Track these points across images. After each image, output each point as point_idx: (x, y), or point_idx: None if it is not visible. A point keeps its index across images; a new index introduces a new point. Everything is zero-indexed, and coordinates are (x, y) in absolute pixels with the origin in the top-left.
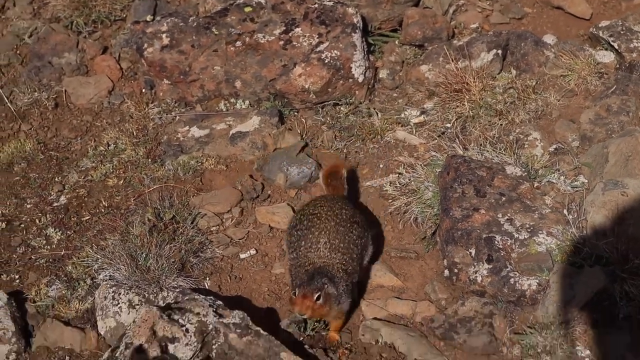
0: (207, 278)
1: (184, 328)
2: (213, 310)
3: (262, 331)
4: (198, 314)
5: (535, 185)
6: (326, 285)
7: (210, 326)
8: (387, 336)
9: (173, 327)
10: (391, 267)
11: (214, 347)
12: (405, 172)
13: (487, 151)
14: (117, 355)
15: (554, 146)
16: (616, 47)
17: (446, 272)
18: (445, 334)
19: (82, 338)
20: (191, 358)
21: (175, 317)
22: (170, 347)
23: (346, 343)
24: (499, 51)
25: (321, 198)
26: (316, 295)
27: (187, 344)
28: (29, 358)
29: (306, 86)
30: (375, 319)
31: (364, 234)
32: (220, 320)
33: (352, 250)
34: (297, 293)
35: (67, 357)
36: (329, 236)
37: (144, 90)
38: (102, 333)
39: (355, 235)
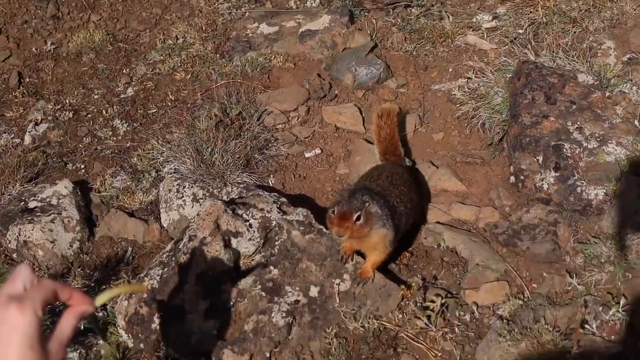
0: (272, 175)
1: (247, 223)
2: (277, 207)
3: (325, 230)
4: (262, 209)
5: (606, 95)
6: (367, 204)
7: (274, 222)
8: (449, 240)
9: (237, 222)
10: (456, 172)
11: (276, 243)
12: (475, 76)
13: (560, 58)
14: (180, 247)
15: (628, 56)
16: None
17: (512, 178)
18: (508, 240)
19: (145, 229)
20: (253, 253)
21: (239, 212)
22: (234, 242)
23: (408, 247)
24: None
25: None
26: (356, 215)
27: (250, 239)
28: (92, 247)
29: None
30: (438, 222)
31: (417, 200)
32: (284, 217)
33: (408, 197)
34: (335, 211)
35: (129, 248)
36: (392, 173)
37: None
38: (165, 225)
39: (413, 191)
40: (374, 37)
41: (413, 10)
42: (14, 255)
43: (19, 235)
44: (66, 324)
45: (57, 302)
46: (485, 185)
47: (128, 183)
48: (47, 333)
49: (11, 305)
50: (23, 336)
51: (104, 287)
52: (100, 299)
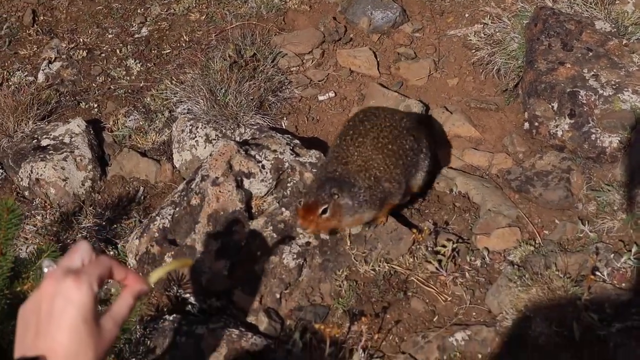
0: (285, 118)
1: (260, 164)
2: (290, 149)
3: None
4: (275, 151)
5: (624, 43)
6: (336, 196)
7: (287, 164)
8: (461, 185)
9: (249, 163)
10: (470, 118)
11: (288, 185)
12: (491, 22)
13: (577, 5)
14: (192, 187)
15: None
16: None
17: (526, 125)
18: (521, 187)
19: (157, 169)
20: (266, 194)
21: (252, 152)
22: (246, 182)
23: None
24: None
25: (386, 107)
26: (322, 209)
27: (262, 180)
28: (104, 186)
29: None
30: (450, 168)
31: (420, 152)
32: (297, 158)
33: (399, 158)
34: (301, 203)
35: (141, 188)
36: (379, 133)
37: None
38: (177, 166)
39: (408, 146)
40: None
41: None
42: (26, 193)
43: (31, 172)
44: (123, 303)
45: (111, 281)
46: (498, 132)
47: (141, 123)
48: (102, 311)
49: (68, 278)
50: (78, 309)
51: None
52: (153, 277)
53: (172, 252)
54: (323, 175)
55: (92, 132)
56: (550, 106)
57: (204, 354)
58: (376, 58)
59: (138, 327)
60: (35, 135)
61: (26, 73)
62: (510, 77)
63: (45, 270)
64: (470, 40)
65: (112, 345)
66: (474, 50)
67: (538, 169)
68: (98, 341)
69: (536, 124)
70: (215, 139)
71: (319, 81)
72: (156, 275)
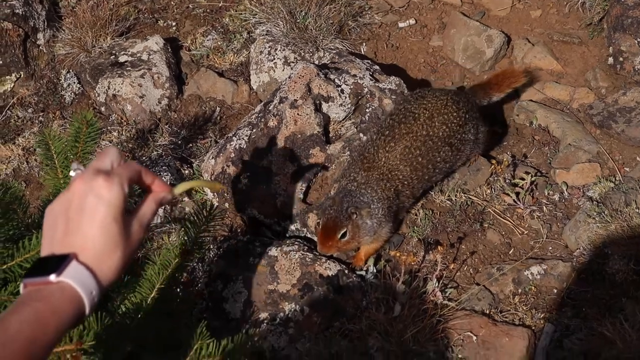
0: (364, 43)
1: (339, 88)
2: (370, 74)
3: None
4: (354, 75)
5: None
6: (354, 215)
7: (366, 89)
8: (542, 119)
9: (328, 86)
10: (552, 51)
11: (367, 110)
12: None
13: None
14: (269, 109)
15: None
16: None
17: (610, 59)
18: (602, 122)
19: (234, 90)
20: (344, 119)
21: (332, 76)
22: (324, 107)
23: (499, 123)
24: None
25: (435, 92)
26: (340, 233)
27: (340, 105)
28: (181, 105)
29: None
30: (531, 100)
31: (456, 158)
32: (376, 84)
33: (425, 173)
34: (320, 225)
35: (217, 108)
36: (412, 142)
37: None
38: (254, 87)
39: (440, 158)
40: None
41: None
42: (102, 109)
43: (108, 88)
44: (148, 207)
45: (139, 186)
46: (581, 66)
47: (219, 43)
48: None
49: (99, 177)
50: (108, 208)
51: (190, 145)
52: (179, 188)
53: (248, 173)
54: (341, 188)
55: (169, 50)
56: (636, 42)
57: (277, 276)
58: None
59: (211, 247)
60: (113, 51)
61: None
62: (595, 10)
63: (73, 173)
64: None
65: (138, 248)
66: None
67: (621, 105)
68: (127, 241)
69: (621, 59)
70: (293, 62)
71: (400, 8)
72: (182, 187)
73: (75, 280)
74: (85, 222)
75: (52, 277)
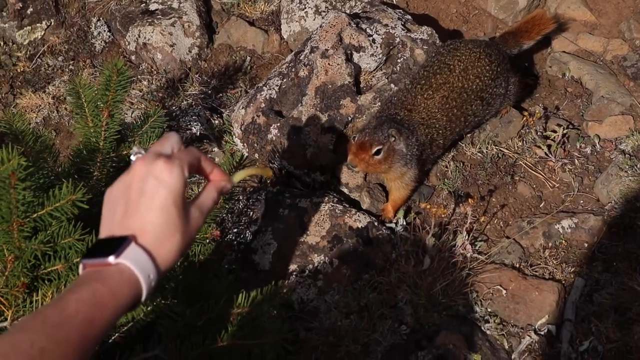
0: None
1: (370, 38)
2: (401, 24)
3: None
4: (386, 25)
5: None
6: (393, 139)
7: (397, 39)
8: (574, 70)
9: (360, 36)
10: (586, 1)
11: (398, 60)
12: None
13: None
14: (300, 58)
15: None
16: None
17: None
18: (636, 74)
19: (265, 40)
20: (375, 69)
21: (363, 26)
22: (355, 56)
23: (531, 74)
24: None
25: (468, 44)
26: (375, 149)
27: (372, 55)
28: (211, 54)
29: None
30: (563, 52)
31: (486, 112)
32: (408, 34)
33: (458, 125)
34: (355, 138)
35: (248, 57)
36: (449, 93)
37: None
38: (285, 37)
39: (471, 111)
40: None
41: None
42: (132, 58)
43: (139, 37)
44: (208, 195)
45: (197, 175)
46: (615, 17)
47: None
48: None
49: (160, 160)
50: (169, 191)
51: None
52: (237, 177)
53: (278, 124)
54: (384, 115)
55: None
56: None
57: (306, 228)
58: None
59: (241, 197)
60: None
61: None
62: None
63: (133, 157)
64: None
65: (197, 234)
66: None
67: None
68: (186, 226)
69: None
70: (325, 11)
71: None
72: (239, 175)
73: (133, 263)
74: (145, 205)
75: (111, 259)
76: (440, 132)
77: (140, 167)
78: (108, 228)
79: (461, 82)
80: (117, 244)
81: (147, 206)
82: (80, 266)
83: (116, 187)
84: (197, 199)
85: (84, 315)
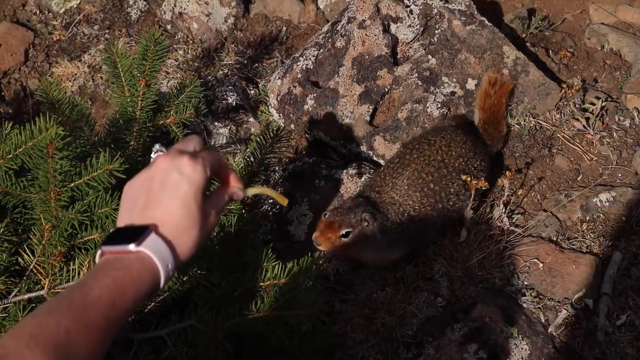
0: None
1: (408, 9)
2: None
3: (486, 22)
4: None
5: None
6: (366, 223)
7: (435, 10)
8: (613, 42)
9: (397, 7)
10: None
11: (436, 32)
12: None
13: None
14: (337, 29)
15: None
16: None
17: None
18: None
19: (301, 10)
20: (412, 41)
21: None
22: (392, 27)
23: (569, 46)
24: None
25: (446, 130)
26: (344, 231)
27: (409, 26)
28: (247, 24)
29: None
30: (602, 24)
31: (465, 197)
32: (446, 5)
33: (438, 200)
34: (326, 215)
35: (284, 27)
36: (422, 167)
37: None
38: (321, 7)
39: (453, 190)
40: None
41: None
42: (168, 27)
43: (175, 6)
44: (221, 197)
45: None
46: None
47: None
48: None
49: (184, 156)
50: (191, 185)
51: (258, 77)
52: (250, 191)
53: (315, 94)
54: (360, 197)
55: None
56: None
57: (342, 199)
58: None
59: (277, 168)
60: None
61: None
62: None
63: (154, 155)
64: None
65: (212, 232)
66: None
67: None
68: (204, 222)
69: None
70: None
71: None
72: (253, 190)
73: (153, 252)
74: (166, 197)
75: (132, 247)
76: (417, 207)
77: (164, 162)
78: (128, 217)
79: (441, 156)
80: (137, 233)
81: (169, 198)
82: (99, 252)
83: (138, 180)
84: (212, 199)
85: (107, 299)
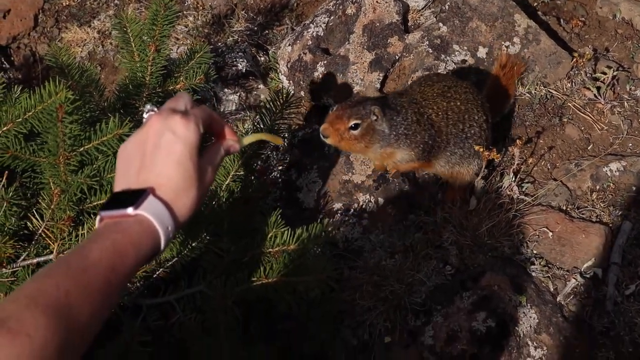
0: None
1: None
2: None
3: None
4: None
5: None
6: (375, 117)
7: None
8: (625, 12)
9: None
10: None
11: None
12: None
13: None
14: None
15: None
16: None
17: None
18: None
19: None
20: (423, 8)
21: None
22: None
23: (581, 15)
24: None
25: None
26: (352, 123)
27: None
28: None
29: None
30: None
31: (484, 134)
32: None
33: (461, 120)
34: (332, 109)
35: None
36: (450, 87)
37: None
38: None
39: (477, 117)
40: None
41: None
42: None
43: None
44: (217, 152)
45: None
46: None
47: None
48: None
49: (176, 115)
50: (185, 145)
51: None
52: (246, 140)
53: (325, 61)
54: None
55: None
56: None
57: (352, 167)
58: None
59: (286, 135)
60: None
61: None
62: None
63: (146, 115)
64: None
65: (209, 189)
66: None
67: None
68: (200, 181)
69: None
70: None
71: None
72: (249, 139)
73: (152, 214)
74: (161, 159)
75: (130, 210)
76: (440, 114)
77: (156, 122)
78: (124, 182)
79: (465, 94)
80: (135, 197)
81: (164, 160)
82: (97, 218)
83: (131, 142)
84: (207, 155)
85: (107, 262)
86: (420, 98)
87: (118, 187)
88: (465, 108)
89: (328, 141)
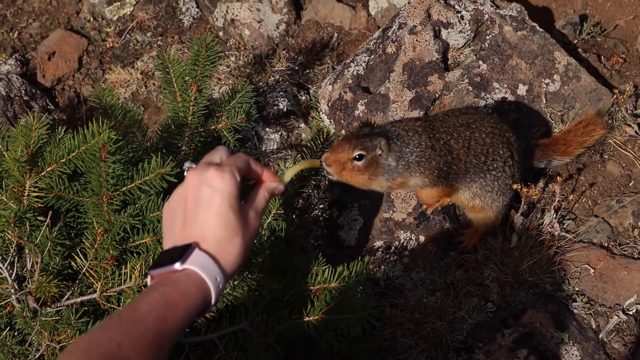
0: None
1: (459, 14)
2: (490, 0)
3: (538, 27)
4: (474, 1)
5: None
6: (380, 151)
7: (486, 16)
8: None
9: (448, 12)
10: None
11: (487, 37)
12: None
13: None
14: (388, 34)
15: None
16: None
17: None
18: None
19: (352, 16)
20: (463, 46)
21: (451, 2)
22: (443, 33)
23: (621, 52)
24: None
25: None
26: (357, 154)
27: (460, 32)
28: (298, 30)
29: None
30: None
31: (509, 171)
32: (497, 11)
33: (484, 152)
34: (339, 139)
35: (335, 34)
36: (475, 120)
37: None
38: (372, 13)
39: (502, 152)
40: None
41: None
42: (220, 34)
43: (227, 13)
44: (261, 197)
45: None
46: None
47: None
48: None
49: (210, 168)
50: (223, 197)
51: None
52: (287, 176)
53: (365, 100)
54: (383, 126)
55: None
56: None
57: (393, 204)
58: None
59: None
60: None
61: None
62: None
63: (186, 172)
64: None
65: (256, 235)
66: None
67: None
68: (245, 228)
69: None
70: None
71: None
72: (289, 174)
73: (199, 267)
74: (202, 212)
75: (177, 265)
76: (460, 142)
77: (193, 178)
78: (170, 240)
79: (489, 137)
80: (181, 252)
81: (205, 213)
82: (148, 278)
83: (173, 200)
84: (251, 201)
85: (157, 314)
86: (440, 125)
87: (166, 245)
88: (491, 141)
89: (329, 170)
